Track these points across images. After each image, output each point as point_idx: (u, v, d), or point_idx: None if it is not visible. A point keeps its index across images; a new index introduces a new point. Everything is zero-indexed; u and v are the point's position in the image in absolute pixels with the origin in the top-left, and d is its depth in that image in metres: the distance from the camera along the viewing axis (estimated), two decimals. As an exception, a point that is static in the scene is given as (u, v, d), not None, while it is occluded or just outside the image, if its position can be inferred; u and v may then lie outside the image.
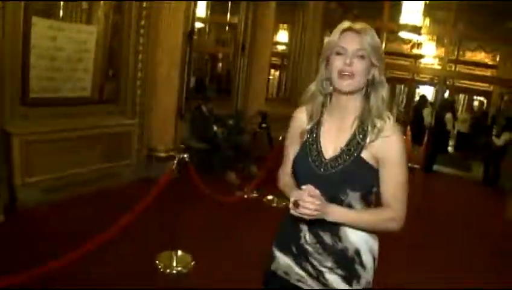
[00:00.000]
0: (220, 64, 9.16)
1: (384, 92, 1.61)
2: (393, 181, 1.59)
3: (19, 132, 4.48)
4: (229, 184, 6.03)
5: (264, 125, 7.59)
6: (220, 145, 6.39)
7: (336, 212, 1.54)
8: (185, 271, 3.65)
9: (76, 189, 4.96)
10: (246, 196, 5.58)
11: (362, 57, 1.55)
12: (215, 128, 6.56)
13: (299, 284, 1.69)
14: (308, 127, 1.69)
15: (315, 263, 1.65)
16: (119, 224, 3.14)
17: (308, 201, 1.44)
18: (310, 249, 1.66)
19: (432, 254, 4.77)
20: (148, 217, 3.47)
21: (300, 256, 1.68)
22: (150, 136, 5.97)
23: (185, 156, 3.68)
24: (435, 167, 9.63)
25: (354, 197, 1.58)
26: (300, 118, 1.73)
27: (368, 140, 1.58)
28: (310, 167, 1.63)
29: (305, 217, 1.47)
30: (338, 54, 1.56)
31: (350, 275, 1.64)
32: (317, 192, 1.47)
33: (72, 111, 5.09)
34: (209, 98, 6.74)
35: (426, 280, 4.01)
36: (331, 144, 1.64)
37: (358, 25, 1.56)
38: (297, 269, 1.69)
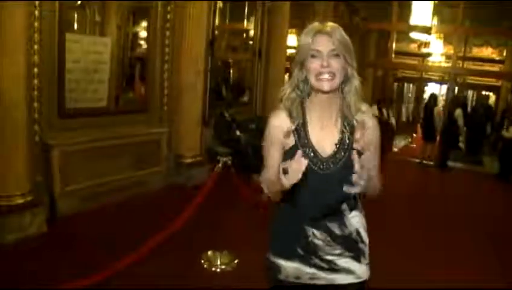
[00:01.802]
0: (231, 71, 9.31)
1: (357, 84, 1.66)
2: (374, 161, 1.70)
3: (58, 143, 4.66)
4: (254, 187, 6.18)
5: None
6: (244, 150, 6.54)
7: None
8: (229, 269, 3.80)
9: (110, 196, 5.13)
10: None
11: (336, 56, 1.59)
12: (238, 133, 6.71)
13: (314, 281, 1.73)
14: (293, 127, 1.68)
15: (324, 255, 1.71)
16: (170, 226, 3.30)
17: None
18: (319, 243, 1.70)
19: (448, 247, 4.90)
20: (193, 219, 3.61)
21: (309, 255, 1.71)
22: (177, 143, 6.15)
23: (228, 159, 3.83)
24: (449, 163, 9.76)
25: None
26: (280, 121, 1.70)
27: (356, 134, 1.67)
28: (309, 167, 1.56)
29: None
30: (313, 56, 1.60)
31: (357, 254, 1.74)
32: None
33: (103, 121, 5.28)
34: (230, 104, 6.91)
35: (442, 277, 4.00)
36: (323, 142, 1.67)
37: (328, 26, 1.60)
38: (307, 269, 1.72)
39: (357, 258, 1.74)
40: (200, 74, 6.15)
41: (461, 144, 10.79)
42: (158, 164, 5.93)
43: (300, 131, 1.67)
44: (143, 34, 6.17)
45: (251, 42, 8.20)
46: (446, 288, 3.77)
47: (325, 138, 1.67)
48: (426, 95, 13.90)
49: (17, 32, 3.95)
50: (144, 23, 6.05)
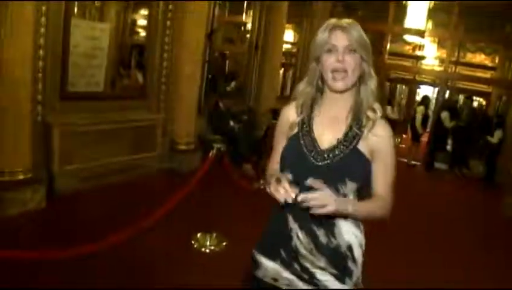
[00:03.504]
0: (228, 62, 9.49)
1: (373, 84, 1.64)
2: (387, 176, 1.64)
3: (59, 123, 4.86)
4: (244, 175, 6.41)
5: (274, 121, 7.96)
6: (236, 139, 6.77)
7: (350, 201, 1.56)
8: (217, 250, 4.04)
9: (106, 178, 5.34)
10: (262, 187, 5.95)
11: (352, 52, 1.57)
12: (231, 123, 6.94)
13: (289, 288, 1.66)
14: (299, 119, 1.69)
15: (307, 264, 1.62)
16: (163, 208, 3.51)
17: (319, 196, 1.42)
18: (302, 250, 1.62)
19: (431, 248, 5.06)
20: (185, 202, 3.83)
21: (290, 259, 1.64)
22: (173, 130, 6.38)
23: (222, 146, 4.05)
24: (436, 165, 10.02)
25: (351, 188, 1.57)
26: (288, 112, 1.74)
27: (364, 132, 1.61)
28: (305, 157, 1.61)
29: (318, 212, 1.41)
30: (328, 51, 1.59)
31: (343, 273, 1.63)
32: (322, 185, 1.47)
33: (102, 105, 5.49)
34: (225, 94, 7.13)
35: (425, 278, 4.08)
36: (326, 135, 1.63)
37: (345, 22, 1.59)
38: (286, 274, 1.64)
39: (341, 278, 1.62)
40: (198, 64, 6.37)
41: (449, 147, 10.99)
42: (153, 149, 6.15)
43: (305, 122, 1.67)
44: (141, 22, 6.35)
45: (248, 36, 8.40)
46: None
47: (329, 132, 1.64)
48: (418, 97, 14.19)
49: (25, 15, 4.14)
50: (144, 11, 6.22)
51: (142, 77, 6.24)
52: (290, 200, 1.42)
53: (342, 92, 1.63)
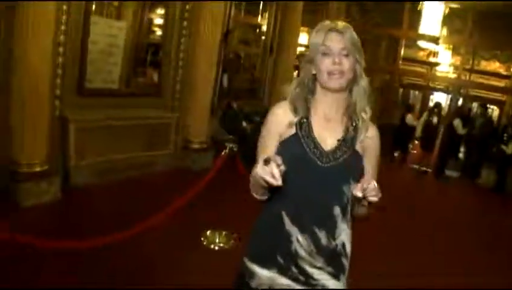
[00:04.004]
0: (242, 63, 9.54)
1: (365, 84, 1.66)
2: (375, 174, 1.70)
3: (76, 118, 4.98)
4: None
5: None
6: (249, 140, 6.82)
7: None
8: (226, 248, 4.11)
9: (120, 173, 5.46)
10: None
11: (347, 55, 1.58)
12: (244, 124, 7.00)
13: None
14: (296, 119, 1.64)
15: (305, 266, 1.62)
16: (175, 204, 3.60)
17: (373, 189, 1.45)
18: (302, 253, 1.61)
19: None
20: (197, 199, 3.91)
21: (288, 264, 1.62)
22: (186, 129, 6.48)
23: (234, 146, 4.13)
24: (447, 172, 9.97)
25: (352, 188, 1.56)
26: (281, 113, 1.67)
27: (360, 133, 1.65)
28: (309, 158, 1.60)
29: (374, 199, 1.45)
30: (324, 54, 1.59)
31: (338, 270, 1.67)
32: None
33: (118, 102, 5.60)
34: (239, 95, 7.20)
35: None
36: (326, 136, 1.63)
37: (340, 24, 1.60)
38: (283, 280, 1.63)
39: (336, 275, 1.67)
40: (213, 64, 6.46)
41: (461, 155, 10.93)
42: (166, 146, 6.26)
43: (303, 122, 1.64)
44: (158, 20, 6.44)
45: (263, 37, 8.47)
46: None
47: (328, 133, 1.64)
48: (431, 104, 14.15)
49: (47, 13, 4.28)
50: (160, 11, 6.31)
51: (157, 75, 6.34)
52: (275, 183, 1.33)
53: (336, 91, 1.64)
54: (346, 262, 1.71)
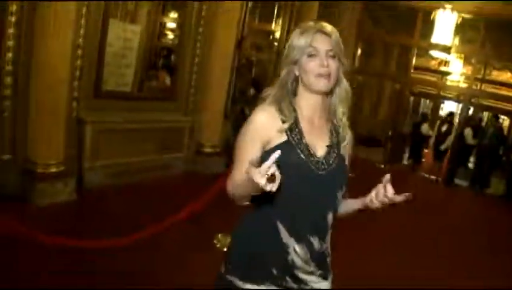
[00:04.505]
0: (254, 69, 9.60)
1: (347, 87, 1.64)
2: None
3: (92, 120, 5.05)
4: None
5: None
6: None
7: None
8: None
9: (134, 175, 5.53)
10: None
11: (333, 56, 1.55)
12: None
13: None
14: (286, 125, 1.54)
15: (299, 273, 1.58)
16: (191, 206, 3.65)
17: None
18: (299, 261, 1.56)
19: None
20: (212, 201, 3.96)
21: (284, 275, 1.57)
22: (199, 133, 6.55)
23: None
24: (456, 181, 9.99)
25: (343, 193, 1.62)
26: (265, 119, 1.55)
27: (342, 137, 1.65)
28: (305, 166, 1.54)
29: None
30: (310, 55, 1.55)
31: (326, 271, 1.65)
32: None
33: (133, 105, 5.67)
34: (251, 101, 7.24)
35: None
36: (315, 142, 1.59)
37: (327, 26, 1.57)
38: None
39: (325, 276, 1.65)
40: (227, 70, 6.53)
41: (470, 164, 10.94)
42: (180, 150, 6.33)
43: (293, 128, 1.56)
44: (171, 24, 6.51)
45: (276, 44, 8.52)
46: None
47: (316, 139, 1.60)
48: (442, 112, 14.14)
49: (68, 16, 4.36)
50: (173, 14, 6.39)
51: (169, 78, 6.40)
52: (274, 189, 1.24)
53: (321, 93, 1.60)
54: (329, 262, 1.68)
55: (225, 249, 3.99)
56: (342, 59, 1.58)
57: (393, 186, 1.50)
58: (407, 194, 1.47)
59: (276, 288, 1.56)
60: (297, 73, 1.59)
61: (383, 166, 9.94)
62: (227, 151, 6.68)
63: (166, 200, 4.93)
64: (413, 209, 6.40)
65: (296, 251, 1.55)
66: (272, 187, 1.23)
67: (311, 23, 1.59)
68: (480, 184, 9.71)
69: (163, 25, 6.54)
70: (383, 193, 1.49)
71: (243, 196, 1.49)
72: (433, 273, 4.40)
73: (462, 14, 10.33)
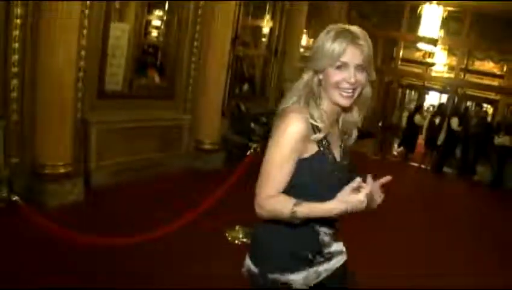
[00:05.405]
0: (249, 66, 9.61)
1: (369, 95, 1.64)
2: None
3: (96, 121, 5.11)
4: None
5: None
6: (257, 140, 6.98)
7: None
8: (248, 243, 4.25)
9: (137, 173, 5.61)
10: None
11: (362, 69, 1.52)
12: (252, 125, 7.15)
13: (318, 280, 1.67)
14: (321, 136, 1.55)
15: (327, 249, 1.69)
16: (205, 202, 3.74)
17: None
18: (326, 238, 1.67)
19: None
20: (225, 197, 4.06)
21: (317, 255, 1.66)
22: (198, 130, 6.64)
23: (258, 146, 4.27)
24: (445, 169, 10.29)
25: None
26: (303, 130, 1.51)
27: (349, 137, 1.73)
28: (335, 174, 1.59)
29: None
30: (338, 68, 1.51)
31: (337, 233, 1.75)
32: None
33: (134, 104, 5.74)
34: (246, 97, 7.36)
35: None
36: (333, 147, 1.63)
37: (361, 39, 1.50)
38: (313, 272, 1.65)
39: (339, 237, 1.75)
40: (224, 67, 6.61)
41: (457, 151, 11.21)
42: (179, 148, 6.42)
43: (323, 137, 1.58)
44: (156, 22, 6.40)
45: (263, 39, 8.57)
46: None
47: (334, 143, 1.63)
48: (425, 103, 14.38)
49: (72, 18, 4.40)
50: (158, 12, 6.29)
51: (158, 77, 6.32)
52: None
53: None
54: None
55: (236, 242, 4.15)
56: (369, 71, 1.56)
57: (388, 174, 1.61)
58: (387, 177, 1.59)
59: (313, 268, 1.65)
60: (321, 77, 1.57)
61: (375, 157, 10.31)
62: (226, 148, 6.81)
63: (171, 197, 5.05)
64: (403, 198, 6.68)
65: (325, 232, 1.66)
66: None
67: (344, 28, 1.52)
68: (467, 172, 9.99)
69: (149, 23, 6.46)
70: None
71: (296, 218, 1.49)
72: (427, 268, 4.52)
73: (448, 8, 10.58)
